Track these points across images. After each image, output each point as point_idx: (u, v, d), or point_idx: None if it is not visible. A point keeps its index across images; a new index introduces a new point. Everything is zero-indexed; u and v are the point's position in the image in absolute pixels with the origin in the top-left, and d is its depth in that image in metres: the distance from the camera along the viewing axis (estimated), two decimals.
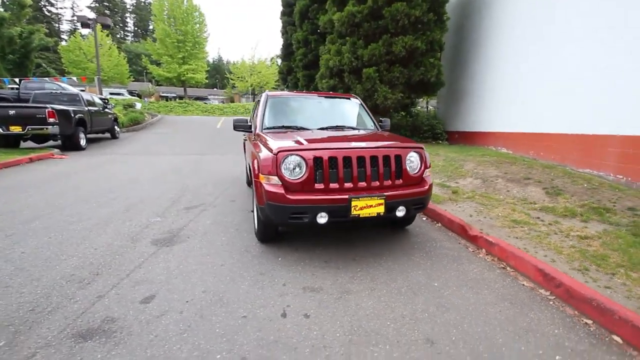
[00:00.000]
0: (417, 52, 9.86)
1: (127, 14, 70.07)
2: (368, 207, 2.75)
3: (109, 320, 2.10)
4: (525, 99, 7.24)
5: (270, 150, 2.87)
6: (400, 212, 2.91)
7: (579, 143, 5.51)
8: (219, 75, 60.88)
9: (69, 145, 9.75)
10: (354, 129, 3.91)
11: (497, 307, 2.29)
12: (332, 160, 2.80)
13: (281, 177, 2.78)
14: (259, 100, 5.20)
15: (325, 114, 4.13)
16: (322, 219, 2.73)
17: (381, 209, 2.78)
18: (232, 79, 44.36)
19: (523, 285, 2.60)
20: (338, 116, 4.14)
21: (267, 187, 2.78)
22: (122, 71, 33.08)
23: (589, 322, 2.13)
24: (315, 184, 2.78)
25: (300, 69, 14.34)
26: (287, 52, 17.48)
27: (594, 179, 5.07)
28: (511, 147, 7.99)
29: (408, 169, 3.02)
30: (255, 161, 3.07)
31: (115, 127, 13.43)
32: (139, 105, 20.27)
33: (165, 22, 31.83)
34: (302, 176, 2.77)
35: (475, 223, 3.73)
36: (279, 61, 62.53)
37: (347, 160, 2.81)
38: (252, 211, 3.65)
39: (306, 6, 13.49)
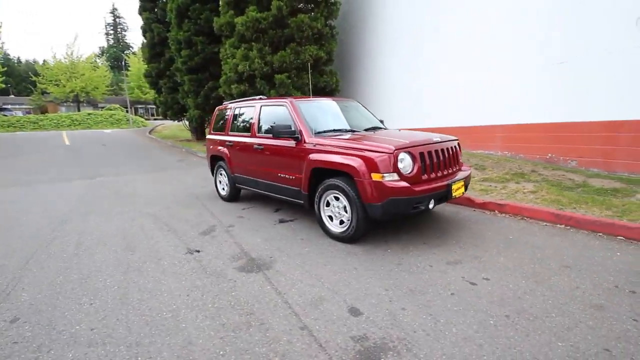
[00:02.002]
0: (320, 62, 10.84)
1: None
2: (458, 188, 3.38)
3: (361, 338, 1.97)
4: (420, 103, 9.30)
5: (382, 149, 3.08)
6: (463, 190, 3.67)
7: (472, 133, 7.70)
8: (11, 78, 45.75)
9: None
10: (385, 129, 4.39)
11: (556, 240, 3.36)
12: (429, 154, 3.27)
13: (399, 173, 3.05)
14: (250, 107, 4.84)
15: (355, 117, 4.41)
16: (431, 204, 3.18)
17: (463, 189, 3.47)
18: (40, 83, 34.52)
19: (546, 225, 3.82)
20: (365, 118, 4.50)
21: (391, 184, 3.00)
22: None
23: (600, 234, 3.46)
24: (422, 176, 3.19)
25: (185, 72, 12.99)
26: (155, 52, 15.33)
27: (490, 156, 7.26)
28: None
29: (459, 156, 3.81)
30: (353, 162, 3.17)
31: None
32: None
33: None
34: (412, 170, 3.13)
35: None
36: (101, 62, 52.24)
37: (437, 153, 3.35)
38: (322, 216, 3.63)
39: (186, 5, 12.32)
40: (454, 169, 3.63)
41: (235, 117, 5.09)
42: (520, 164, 6.41)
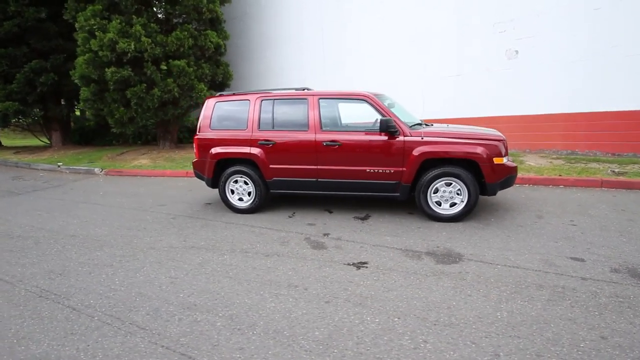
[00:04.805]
0: (219, 51, 9.70)
1: None
2: None
3: (615, 270, 2.67)
4: None
5: (498, 138, 3.77)
6: None
7: None
8: None
9: None
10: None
11: (543, 193, 5.08)
12: None
13: (507, 157, 3.84)
14: (298, 99, 4.18)
15: (402, 110, 4.70)
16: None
17: None
18: None
19: (519, 186, 5.58)
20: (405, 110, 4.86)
21: (509, 164, 3.76)
22: None
23: (551, 186, 5.49)
24: None
25: None
26: None
27: None
28: None
29: None
30: (479, 150, 3.67)
31: None
32: None
33: None
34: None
35: None
36: None
37: None
38: (429, 203, 3.89)
39: None
40: None
41: (267, 111, 4.26)
42: None
